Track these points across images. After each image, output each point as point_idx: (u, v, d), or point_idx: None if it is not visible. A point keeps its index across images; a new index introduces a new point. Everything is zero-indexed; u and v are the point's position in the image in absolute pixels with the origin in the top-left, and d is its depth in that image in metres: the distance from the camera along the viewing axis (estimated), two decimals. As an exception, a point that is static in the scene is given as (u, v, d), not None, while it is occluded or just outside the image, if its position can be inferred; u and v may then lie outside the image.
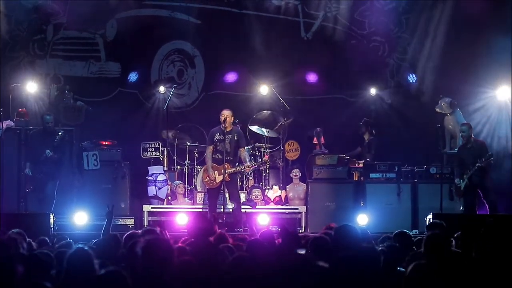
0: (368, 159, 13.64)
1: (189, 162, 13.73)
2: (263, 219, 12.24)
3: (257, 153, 13.63)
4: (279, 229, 7.16)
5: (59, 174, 12.54)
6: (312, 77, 15.31)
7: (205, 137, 13.11)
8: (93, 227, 11.43)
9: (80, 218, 11.85)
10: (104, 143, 13.52)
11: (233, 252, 5.73)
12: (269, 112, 14.35)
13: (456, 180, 12.11)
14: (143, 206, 13.05)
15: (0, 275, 4.45)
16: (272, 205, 13.45)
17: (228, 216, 12.14)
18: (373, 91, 15.14)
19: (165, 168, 13.78)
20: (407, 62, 15.30)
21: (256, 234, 7.41)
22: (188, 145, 13.75)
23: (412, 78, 15.16)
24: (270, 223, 12.17)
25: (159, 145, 13.86)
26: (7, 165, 12.48)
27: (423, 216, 11.51)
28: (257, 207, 12.99)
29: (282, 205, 13.52)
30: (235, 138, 12.06)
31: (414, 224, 12.45)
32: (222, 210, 12.20)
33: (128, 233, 6.80)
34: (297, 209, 13.19)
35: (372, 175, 13.03)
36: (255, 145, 13.74)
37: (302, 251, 5.64)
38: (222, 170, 11.90)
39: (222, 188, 12.10)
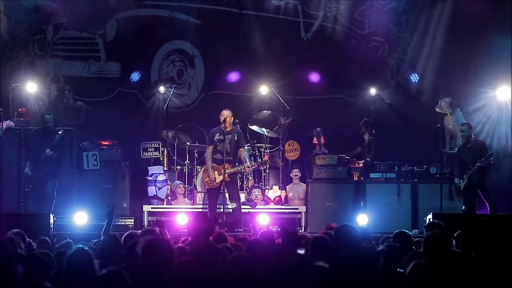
0: (368, 159, 13.64)
1: (189, 162, 13.73)
2: (263, 219, 12.23)
3: (257, 153, 13.62)
4: (279, 229, 7.16)
5: (59, 173, 12.55)
6: (314, 77, 15.30)
7: (205, 137, 13.11)
8: (93, 227, 11.43)
9: (80, 218, 11.84)
10: (104, 143, 13.53)
11: (233, 252, 5.73)
12: (269, 112, 14.35)
13: (456, 179, 12.11)
14: (143, 206, 13.05)
15: (0, 275, 4.45)
16: (272, 205, 13.45)
17: (228, 216, 12.14)
18: (373, 91, 15.13)
19: (165, 168, 13.78)
20: (407, 62, 15.29)
21: (257, 234, 7.42)
22: (188, 145, 13.75)
23: (414, 77, 15.16)
24: (270, 223, 12.16)
25: (159, 145, 13.86)
26: (7, 165, 12.48)
27: (423, 216, 11.50)
28: (257, 207, 12.98)
29: (282, 205, 13.52)
30: (235, 138, 12.06)
31: (414, 224, 12.45)
32: (222, 210, 12.19)
33: (127, 233, 6.81)
34: (297, 209, 13.19)
35: (372, 175, 13.03)
36: (255, 145, 13.74)
37: (302, 251, 5.64)
38: (222, 170, 11.89)
39: (222, 188, 12.10)
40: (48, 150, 12.30)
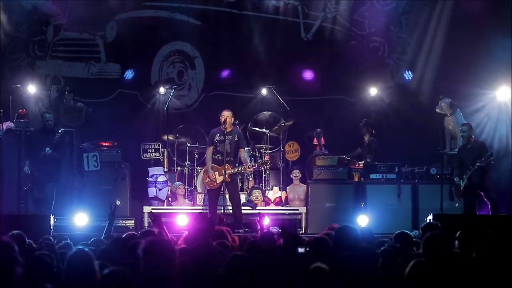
0: (368, 160, 13.64)
1: (189, 163, 13.73)
2: (263, 220, 12.22)
3: (257, 154, 13.63)
4: (279, 230, 7.17)
5: (58, 175, 12.55)
6: (308, 74, 15.29)
7: (205, 138, 13.11)
8: (94, 228, 11.42)
9: (81, 219, 11.83)
10: (104, 144, 13.53)
11: (233, 252, 5.73)
12: (269, 113, 14.35)
13: (455, 179, 12.11)
14: (144, 207, 13.05)
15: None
16: (272, 206, 13.45)
17: (228, 217, 12.14)
18: (373, 91, 15.13)
19: (165, 169, 13.79)
20: (407, 62, 15.29)
21: (265, 232, 7.44)
22: (188, 146, 13.76)
23: (408, 75, 15.16)
24: (270, 224, 12.15)
25: (159, 146, 13.86)
26: (7, 167, 12.47)
27: (423, 216, 11.49)
28: (257, 208, 12.98)
29: (283, 206, 13.52)
30: (235, 138, 12.06)
31: (414, 224, 12.43)
32: (222, 211, 12.19)
33: (125, 234, 6.81)
34: (298, 210, 13.18)
35: (373, 176, 13.03)
36: (255, 146, 13.74)
37: (302, 249, 5.65)
38: (223, 171, 11.89)
39: (222, 189, 12.09)
40: (48, 148, 12.30)
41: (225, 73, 15.36)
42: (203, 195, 13.18)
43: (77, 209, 12.22)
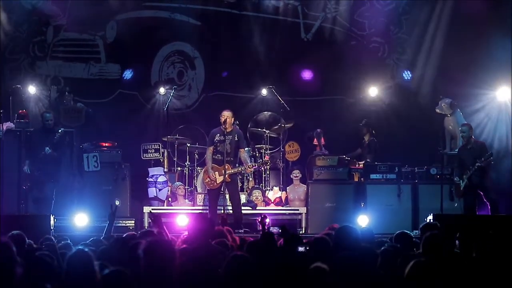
0: (368, 160, 13.65)
1: (189, 163, 13.73)
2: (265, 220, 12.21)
3: (257, 154, 13.63)
4: (279, 230, 7.18)
5: (58, 175, 12.55)
6: (308, 75, 15.30)
7: (205, 138, 13.11)
8: (94, 229, 11.43)
9: (81, 220, 11.84)
10: (104, 144, 13.53)
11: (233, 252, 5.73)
12: (269, 113, 14.35)
13: (455, 178, 12.12)
14: (144, 207, 13.06)
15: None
16: (272, 206, 13.45)
17: (228, 217, 12.12)
18: (373, 91, 15.13)
19: (165, 170, 13.79)
20: (407, 62, 15.29)
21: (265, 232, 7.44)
22: (188, 147, 13.76)
23: (407, 75, 15.16)
24: (270, 224, 12.15)
25: (159, 146, 13.86)
26: (8, 167, 12.47)
27: (423, 217, 11.49)
28: (257, 208, 12.99)
29: (283, 206, 13.52)
30: (235, 139, 12.06)
31: (414, 225, 12.42)
32: (222, 211, 12.20)
33: (125, 235, 6.81)
34: (298, 210, 13.18)
35: (373, 176, 13.03)
36: (255, 146, 13.75)
37: (302, 249, 5.66)
38: (223, 171, 11.90)
39: (222, 189, 12.09)
40: (47, 148, 12.31)
41: (224, 74, 15.37)
42: (203, 195, 13.19)
43: (77, 209, 12.23)
